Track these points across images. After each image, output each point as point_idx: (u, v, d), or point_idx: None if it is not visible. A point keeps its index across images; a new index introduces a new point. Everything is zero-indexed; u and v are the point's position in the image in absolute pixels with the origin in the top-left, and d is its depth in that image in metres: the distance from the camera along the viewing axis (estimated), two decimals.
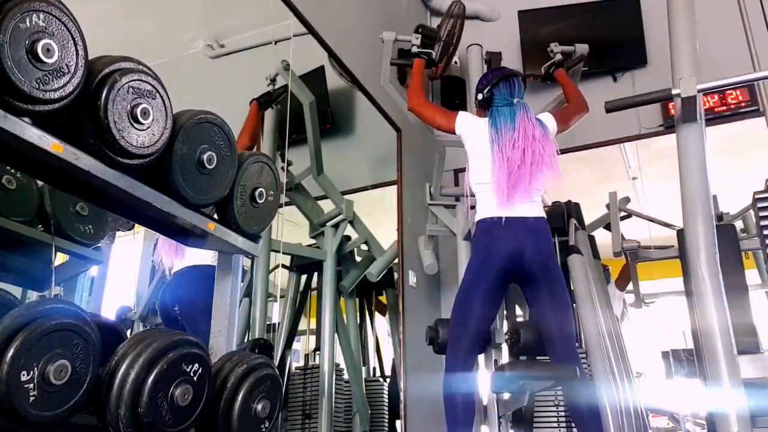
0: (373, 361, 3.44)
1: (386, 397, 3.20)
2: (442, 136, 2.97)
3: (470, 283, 2.18)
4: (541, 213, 2.25)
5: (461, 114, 2.39)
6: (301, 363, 2.97)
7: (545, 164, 2.21)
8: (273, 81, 2.75)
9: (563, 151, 3.56)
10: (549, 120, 2.41)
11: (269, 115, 2.76)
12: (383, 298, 3.47)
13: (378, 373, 3.41)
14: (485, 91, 2.38)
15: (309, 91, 2.76)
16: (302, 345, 3.09)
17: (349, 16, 3.24)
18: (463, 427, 2.09)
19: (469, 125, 2.35)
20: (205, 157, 1.34)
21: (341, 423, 2.82)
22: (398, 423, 3.06)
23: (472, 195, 2.32)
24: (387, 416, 3.15)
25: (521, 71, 3.80)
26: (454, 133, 2.40)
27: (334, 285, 2.94)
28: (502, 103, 2.31)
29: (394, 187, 3.47)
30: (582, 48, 3.13)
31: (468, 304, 2.15)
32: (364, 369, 3.24)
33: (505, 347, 2.37)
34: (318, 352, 2.86)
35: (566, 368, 1.97)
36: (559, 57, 3.03)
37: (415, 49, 2.78)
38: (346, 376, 2.93)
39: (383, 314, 3.50)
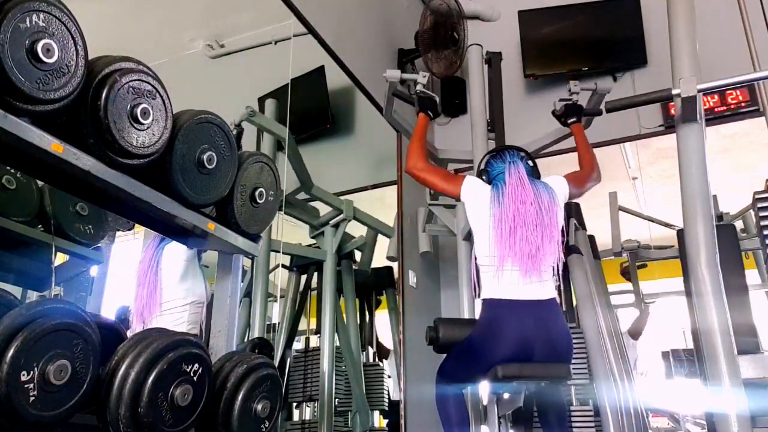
0: (373, 347, 3.46)
1: (385, 380, 3.22)
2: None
3: (472, 358, 2.04)
4: (553, 294, 2.01)
5: (468, 178, 2.15)
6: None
7: (549, 228, 2.00)
8: (238, 125, 2.54)
9: (563, 152, 3.60)
10: (559, 183, 2.18)
11: (270, 114, 2.76)
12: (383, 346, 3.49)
13: (377, 359, 3.45)
14: (478, 173, 2.22)
15: (281, 126, 2.57)
16: (302, 345, 3.10)
17: (349, 16, 3.24)
18: (458, 427, 2.10)
19: (475, 190, 2.12)
20: (205, 157, 1.34)
21: (342, 409, 2.84)
22: None
23: (477, 271, 2.10)
24: (386, 400, 3.16)
25: (523, 70, 3.81)
26: (459, 199, 2.16)
27: (334, 285, 2.94)
28: (496, 171, 2.15)
29: (394, 187, 3.48)
30: (604, 87, 2.78)
31: (468, 371, 2.09)
32: (363, 354, 3.25)
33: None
34: (318, 336, 2.86)
35: (559, 367, 1.97)
36: (576, 98, 2.63)
37: (419, 88, 2.50)
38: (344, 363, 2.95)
39: (386, 357, 3.51)
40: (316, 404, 2.71)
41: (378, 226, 3.26)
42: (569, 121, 2.58)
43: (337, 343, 2.89)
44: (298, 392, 2.75)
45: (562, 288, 2.74)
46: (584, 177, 2.34)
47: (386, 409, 3.15)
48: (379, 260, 3.44)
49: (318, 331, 2.91)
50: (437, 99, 2.50)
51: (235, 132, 2.49)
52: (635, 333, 3.81)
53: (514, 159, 2.16)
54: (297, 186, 2.83)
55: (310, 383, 2.74)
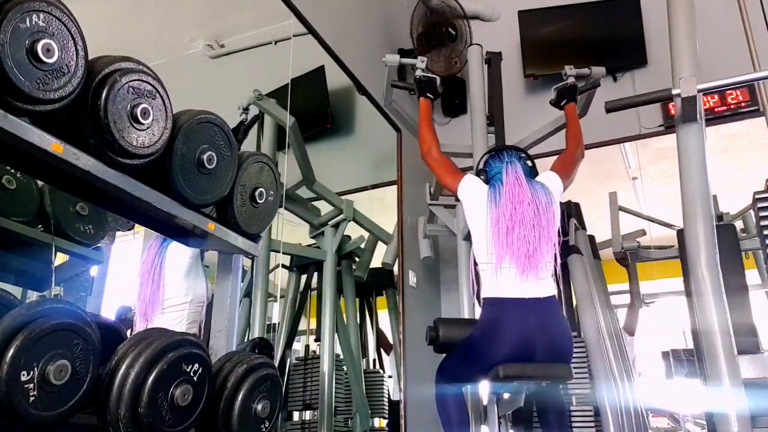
0: (372, 353, 3.46)
1: (386, 388, 3.21)
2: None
3: (473, 357, 2.03)
4: (552, 291, 2.01)
5: (468, 176, 2.18)
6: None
7: (546, 229, 2.01)
8: (245, 110, 2.58)
9: (563, 151, 3.60)
10: (553, 180, 2.19)
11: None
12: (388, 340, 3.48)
13: (378, 366, 3.44)
14: (477, 173, 2.23)
15: (286, 112, 2.57)
16: (302, 345, 3.09)
17: (349, 16, 3.24)
18: (458, 427, 2.10)
19: (472, 190, 2.14)
20: (205, 157, 1.34)
21: (341, 416, 2.83)
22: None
23: (476, 270, 2.10)
24: (387, 407, 3.16)
25: (523, 70, 3.81)
26: (456, 195, 2.19)
27: (334, 285, 2.94)
28: (494, 171, 2.16)
29: (394, 187, 3.48)
30: (598, 72, 2.80)
31: (468, 371, 2.10)
32: (363, 361, 3.25)
33: None
34: (318, 343, 2.86)
35: (560, 367, 1.97)
36: (572, 80, 2.65)
37: (419, 73, 2.52)
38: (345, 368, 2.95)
39: (388, 352, 3.51)
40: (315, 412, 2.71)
41: (377, 231, 3.25)
42: (562, 103, 2.58)
43: (337, 350, 2.88)
44: (297, 399, 2.75)
45: (561, 288, 2.74)
46: (569, 159, 2.35)
47: (386, 417, 3.15)
48: (378, 260, 3.44)
49: (318, 338, 2.90)
50: (438, 80, 2.53)
51: (243, 118, 2.53)
52: (630, 330, 3.80)
53: (512, 159, 2.17)
54: (299, 180, 2.83)
55: (310, 391, 2.73)
